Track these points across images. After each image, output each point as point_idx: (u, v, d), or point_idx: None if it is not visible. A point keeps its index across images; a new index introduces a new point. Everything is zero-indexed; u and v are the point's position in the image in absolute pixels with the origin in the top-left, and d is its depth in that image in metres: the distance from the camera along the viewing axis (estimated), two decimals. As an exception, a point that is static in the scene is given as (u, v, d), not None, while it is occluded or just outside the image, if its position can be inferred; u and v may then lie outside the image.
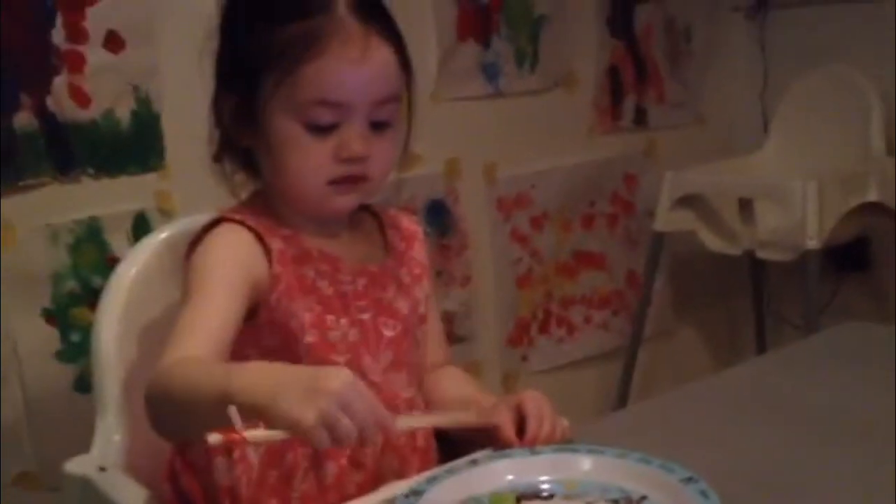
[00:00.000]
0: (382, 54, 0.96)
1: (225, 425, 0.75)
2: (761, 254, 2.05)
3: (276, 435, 0.76)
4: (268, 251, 0.96)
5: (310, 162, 0.96)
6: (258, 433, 0.76)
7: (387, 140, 0.98)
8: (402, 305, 1.03)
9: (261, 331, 0.95)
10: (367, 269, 1.02)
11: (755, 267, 2.36)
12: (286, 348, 0.95)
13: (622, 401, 2.18)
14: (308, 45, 0.93)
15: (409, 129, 1.04)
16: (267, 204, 1.01)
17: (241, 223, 0.97)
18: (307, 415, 0.75)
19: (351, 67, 0.94)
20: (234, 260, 0.95)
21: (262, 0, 0.97)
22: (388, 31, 0.97)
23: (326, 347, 0.96)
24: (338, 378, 0.77)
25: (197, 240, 0.97)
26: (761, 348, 2.42)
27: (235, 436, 0.75)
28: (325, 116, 0.95)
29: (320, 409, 0.75)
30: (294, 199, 0.99)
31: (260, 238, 0.96)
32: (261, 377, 0.80)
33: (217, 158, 1.02)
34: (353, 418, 0.76)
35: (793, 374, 1.12)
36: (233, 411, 0.75)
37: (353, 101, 0.94)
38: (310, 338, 0.95)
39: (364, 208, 1.08)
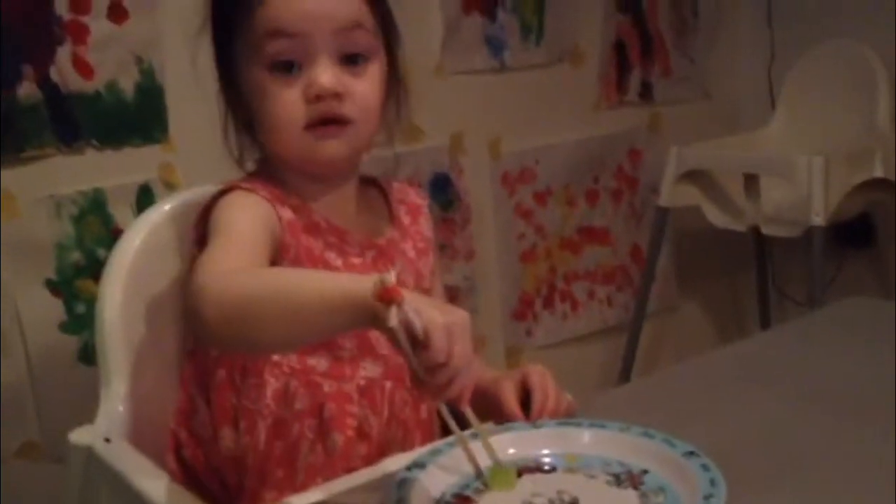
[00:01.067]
0: None
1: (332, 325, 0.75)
2: (766, 230, 2.04)
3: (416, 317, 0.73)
4: (279, 219, 0.95)
5: (281, 107, 0.93)
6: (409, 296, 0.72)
7: (364, 76, 0.95)
8: (408, 279, 1.03)
9: None
10: (374, 242, 1.01)
11: (760, 243, 2.36)
12: None
13: (626, 376, 2.19)
14: None
15: (398, 91, 1.00)
16: (272, 174, 1.00)
17: (254, 191, 0.96)
18: (439, 319, 0.73)
19: None
20: (257, 218, 0.92)
21: None
22: None
23: None
24: (462, 310, 0.76)
25: (210, 207, 0.95)
26: (765, 324, 2.42)
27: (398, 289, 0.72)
28: (284, 50, 0.92)
29: (450, 320, 0.73)
30: (280, 154, 0.97)
31: (272, 206, 0.95)
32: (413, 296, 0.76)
33: (224, 130, 1.02)
34: (464, 347, 0.74)
35: (796, 350, 1.12)
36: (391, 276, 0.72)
37: (309, 30, 0.92)
38: None
39: (371, 181, 1.08)
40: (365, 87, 0.95)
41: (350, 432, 0.95)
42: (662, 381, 1.11)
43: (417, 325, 0.72)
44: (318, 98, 0.93)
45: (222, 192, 0.96)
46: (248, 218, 0.92)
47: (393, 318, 0.72)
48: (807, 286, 1.99)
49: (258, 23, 0.93)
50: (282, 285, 0.79)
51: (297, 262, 0.94)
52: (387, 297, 0.72)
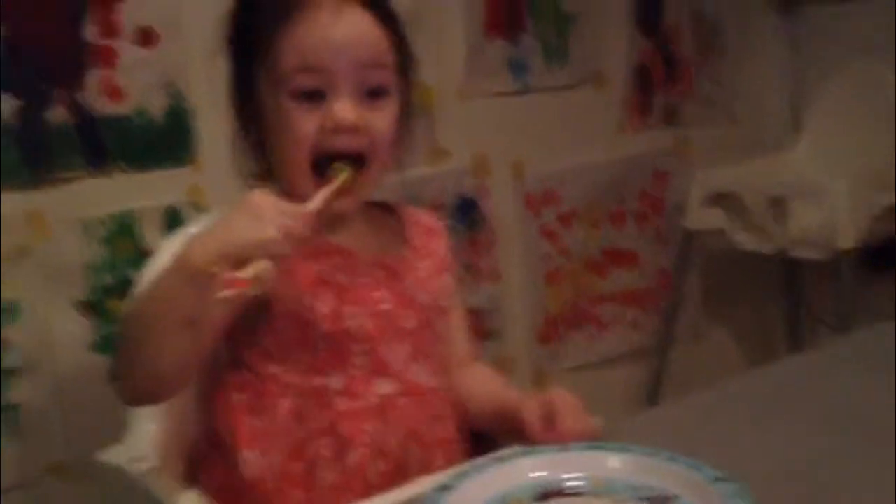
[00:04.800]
0: (358, 17, 0.96)
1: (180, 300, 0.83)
2: (794, 253, 2.03)
3: (263, 265, 0.80)
4: None
5: (297, 132, 0.95)
6: (249, 270, 0.79)
7: (382, 111, 0.97)
8: (422, 297, 1.03)
9: (275, 322, 0.96)
10: (383, 261, 1.02)
11: (788, 266, 2.34)
12: (303, 340, 0.96)
13: (653, 400, 2.17)
14: (282, 17, 0.96)
15: (405, 113, 1.02)
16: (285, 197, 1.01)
17: None
18: (269, 232, 0.81)
19: (325, 30, 0.95)
20: None
21: None
22: (369, 3, 0.97)
23: (344, 337, 0.97)
24: (256, 194, 0.84)
25: None
26: (794, 348, 2.39)
27: (237, 280, 0.78)
28: (308, 81, 0.95)
29: (272, 221, 0.81)
30: (286, 180, 0.98)
31: None
32: (204, 238, 0.84)
33: (237, 154, 1.03)
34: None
35: (826, 375, 1.11)
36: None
37: (332, 65, 0.94)
38: (326, 328, 0.96)
39: (381, 206, 1.08)
40: (382, 122, 0.97)
41: (366, 450, 0.95)
42: (690, 405, 1.09)
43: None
44: (335, 130, 0.95)
45: None
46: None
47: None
48: (836, 310, 1.97)
49: (285, 56, 0.96)
50: (134, 304, 0.87)
51: (303, 286, 0.96)
52: (234, 286, 0.79)
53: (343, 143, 0.95)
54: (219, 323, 0.91)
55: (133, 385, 0.91)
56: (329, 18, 0.95)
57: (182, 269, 0.84)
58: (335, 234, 1.01)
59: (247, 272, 0.79)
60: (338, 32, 0.95)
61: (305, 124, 0.95)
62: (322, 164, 0.96)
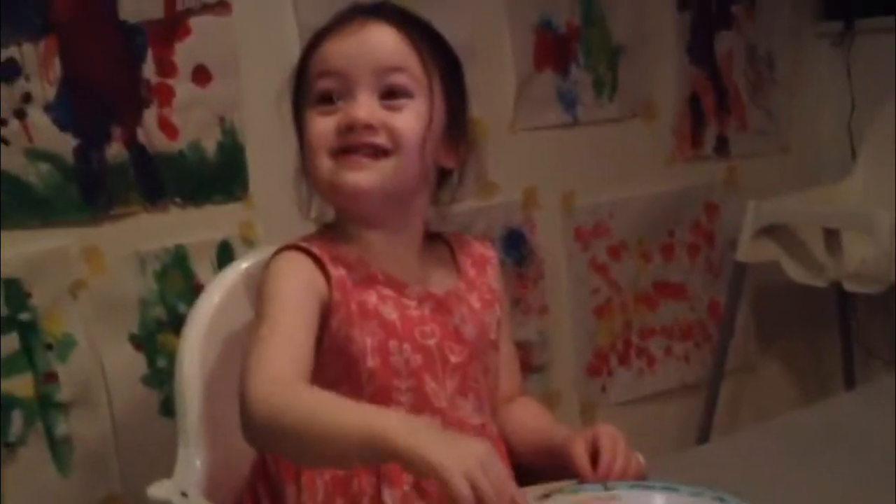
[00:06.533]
0: (378, 28, 1.00)
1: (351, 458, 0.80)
2: (848, 286, 1.99)
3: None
4: (328, 277, 0.97)
5: (315, 134, 0.98)
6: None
7: (402, 111, 0.98)
8: (470, 331, 1.03)
9: (324, 358, 0.96)
10: (432, 294, 1.02)
11: (842, 299, 2.29)
12: (349, 374, 0.97)
13: (704, 435, 2.14)
14: (316, 42, 1.02)
15: (461, 146, 1.04)
16: (336, 230, 1.03)
17: (304, 250, 0.99)
18: (454, 465, 0.75)
19: (344, 39, 0.99)
20: (302, 284, 0.96)
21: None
22: (395, 20, 1.01)
23: (389, 373, 0.97)
24: (479, 442, 0.80)
25: (266, 266, 0.99)
26: (849, 383, 2.34)
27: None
28: (326, 84, 0.98)
29: (466, 462, 0.75)
30: (315, 186, 1.01)
31: (321, 265, 0.98)
32: (405, 421, 0.82)
33: (297, 183, 1.06)
34: (492, 483, 0.75)
35: (881, 411, 1.09)
36: None
37: (348, 69, 0.98)
38: (371, 363, 0.96)
39: (436, 236, 1.09)
40: (402, 121, 0.98)
41: (407, 488, 0.95)
42: (741, 442, 1.08)
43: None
44: (350, 128, 0.97)
45: (279, 251, 0.99)
46: (293, 290, 0.96)
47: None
48: (893, 344, 1.93)
49: (312, 66, 1.01)
50: (317, 417, 0.84)
51: (348, 318, 0.97)
52: None
53: (359, 139, 0.97)
54: None
55: (268, 448, 0.93)
56: (351, 31, 0.99)
57: (377, 446, 0.80)
58: (390, 263, 1.01)
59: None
60: (356, 40, 0.99)
61: (323, 125, 0.98)
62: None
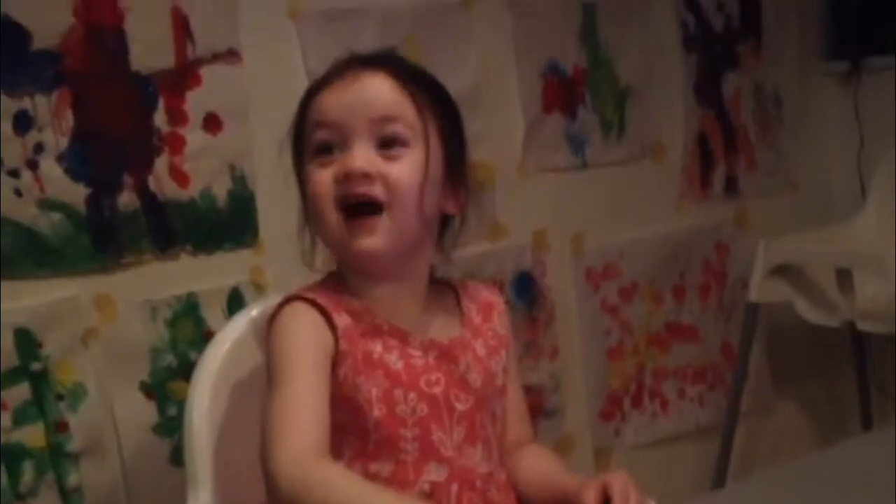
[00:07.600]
0: (375, 78, 1.01)
1: None
2: (862, 325, 1.97)
3: None
4: (333, 328, 0.97)
5: (315, 185, 0.99)
6: None
7: (399, 161, 0.99)
8: (475, 378, 1.02)
9: (332, 405, 0.96)
10: (437, 342, 1.02)
11: (856, 338, 2.27)
12: (355, 423, 0.96)
13: (720, 479, 2.11)
14: (312, 93, 1.03)
15: (461, 190, 1.04)
16: (340, 279, 1.03)
17: (309, 301, 0.99)
18: None
19: (340, 89, 1.00)
20: (310, 340, 0.97)
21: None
22: (390, 69, 1.01)
23: (395, 422, 0.97)
24: None
25: (271, 319, 1.00)
26: (866, 424, 2.31)
27: None
28: (324, 136, 0.99)
29: None
30: (325, 243, 1.03)
31: (327, 316, 0.98)
32: None
33: (300, 234, 1.06)
34: None
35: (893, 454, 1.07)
36: None
37: (344, 119, 0.99)
38: (377, 412, 0.96)
39: (443, 282, 1.09)
40: (398, 170, 0.99)
41: None
42: (758, 486, 1.07)
43: None
44: (347, 177, 0.97)
45: (283, 303, 1.00)
46: (303, 347, 0.96)
47: None
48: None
49: (309, 117, 1.02)
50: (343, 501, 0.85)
51: (354, 367, 0.97)
52: None
53: (357, 188, 0.98)
54: None
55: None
56: (347, 82, 1.01)
57: None
58: (394, 312, 1.01)
59: None
60: (351, 91, 1.00)
61: (322, 176, 0.99)
62: (349, 213, 0.99)
